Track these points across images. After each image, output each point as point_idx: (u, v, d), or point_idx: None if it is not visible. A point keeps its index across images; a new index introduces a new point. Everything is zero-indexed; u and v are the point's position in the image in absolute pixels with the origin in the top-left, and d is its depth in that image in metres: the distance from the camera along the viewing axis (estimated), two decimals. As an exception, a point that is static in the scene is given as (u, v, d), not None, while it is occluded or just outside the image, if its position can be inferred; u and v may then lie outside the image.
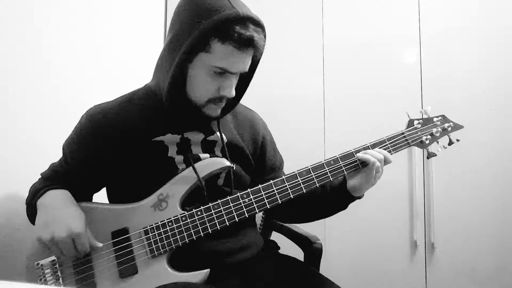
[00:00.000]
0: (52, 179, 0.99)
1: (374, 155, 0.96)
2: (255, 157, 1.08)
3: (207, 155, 0.98)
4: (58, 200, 0.91)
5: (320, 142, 1.98)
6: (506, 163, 1.91)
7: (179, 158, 0.96)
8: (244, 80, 0.98)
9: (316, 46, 2.02)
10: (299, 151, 1.84)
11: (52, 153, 1.05)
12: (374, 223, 1.93)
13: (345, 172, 0.97)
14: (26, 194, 0.98)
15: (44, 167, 1.04)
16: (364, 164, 0.97)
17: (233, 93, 0.92)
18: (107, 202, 1.03)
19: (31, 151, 1.12)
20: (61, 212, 0.89)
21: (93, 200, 1.03)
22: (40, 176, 1.03)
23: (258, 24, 0.87)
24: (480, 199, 1.92)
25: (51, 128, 1.21)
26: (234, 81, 0.92)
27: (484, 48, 1.96)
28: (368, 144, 1.01)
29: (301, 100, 2.01)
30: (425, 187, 1.95)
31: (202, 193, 0.94)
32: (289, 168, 1.17)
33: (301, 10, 2.04)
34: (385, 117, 1.96)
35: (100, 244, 0.89)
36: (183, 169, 0.95)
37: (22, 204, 0.98)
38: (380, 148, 1.00)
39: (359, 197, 1.02)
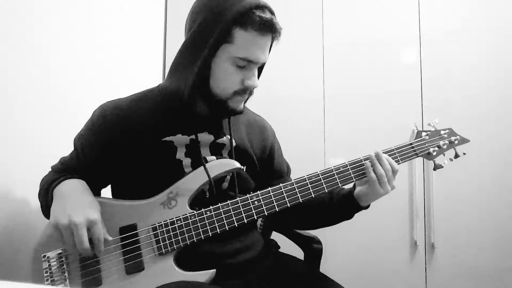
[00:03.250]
0: (63, 172, 1.00)
1: (376, 169, 0.95)
2: (262, 164, 1.08)
3: (214, 157, 0.98)
4: (75, 189, 0.92)
5: (320, 142, 1.98)
6: (506, 163, 1.91)
7: (186, 161, 0.96)
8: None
9: (316, 46, 2.02)
10: (299, 151, 1.84)
11: (52, 153, 1.05)
12: (374, 223, 1.93)
13: (354, 180, 0.97)
14: (26, 194, 0.97)
15: (44, 167, 1.03)
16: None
17: (257, 83, 0.94)
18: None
19: (31, 151, 1.12)
20: (78, 199, 0.89)
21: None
22: (50, 169, 1.03)
23: (272, 11, 0.92)
24: (480, 199, 1.92)
25: (51, 128, 1.21)
26: (256, 71, 0.94)
27: (484, 48, 1.96)
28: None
29: (301, 100, 2.01)
30: (425, 187, 1.95)
31: (206, 196, 0.93)
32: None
33: (301, 10, 2.04)
34: (385, 117, 1.96)
35: (110, 238, 0.89)
36: (190, 172, 0.94)
37: (21, 203, 0.98)
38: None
39: (366, 207, 1.01)
